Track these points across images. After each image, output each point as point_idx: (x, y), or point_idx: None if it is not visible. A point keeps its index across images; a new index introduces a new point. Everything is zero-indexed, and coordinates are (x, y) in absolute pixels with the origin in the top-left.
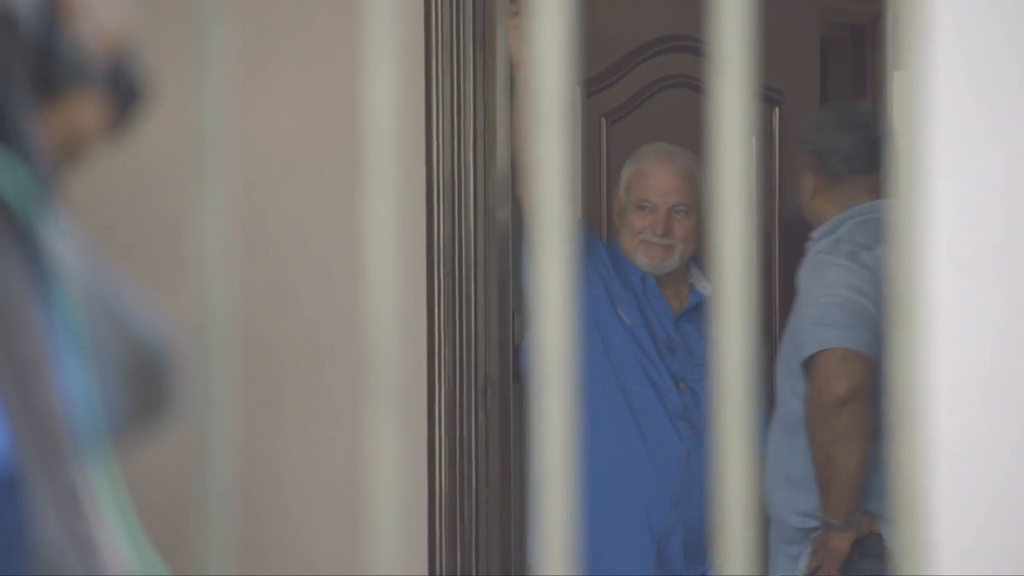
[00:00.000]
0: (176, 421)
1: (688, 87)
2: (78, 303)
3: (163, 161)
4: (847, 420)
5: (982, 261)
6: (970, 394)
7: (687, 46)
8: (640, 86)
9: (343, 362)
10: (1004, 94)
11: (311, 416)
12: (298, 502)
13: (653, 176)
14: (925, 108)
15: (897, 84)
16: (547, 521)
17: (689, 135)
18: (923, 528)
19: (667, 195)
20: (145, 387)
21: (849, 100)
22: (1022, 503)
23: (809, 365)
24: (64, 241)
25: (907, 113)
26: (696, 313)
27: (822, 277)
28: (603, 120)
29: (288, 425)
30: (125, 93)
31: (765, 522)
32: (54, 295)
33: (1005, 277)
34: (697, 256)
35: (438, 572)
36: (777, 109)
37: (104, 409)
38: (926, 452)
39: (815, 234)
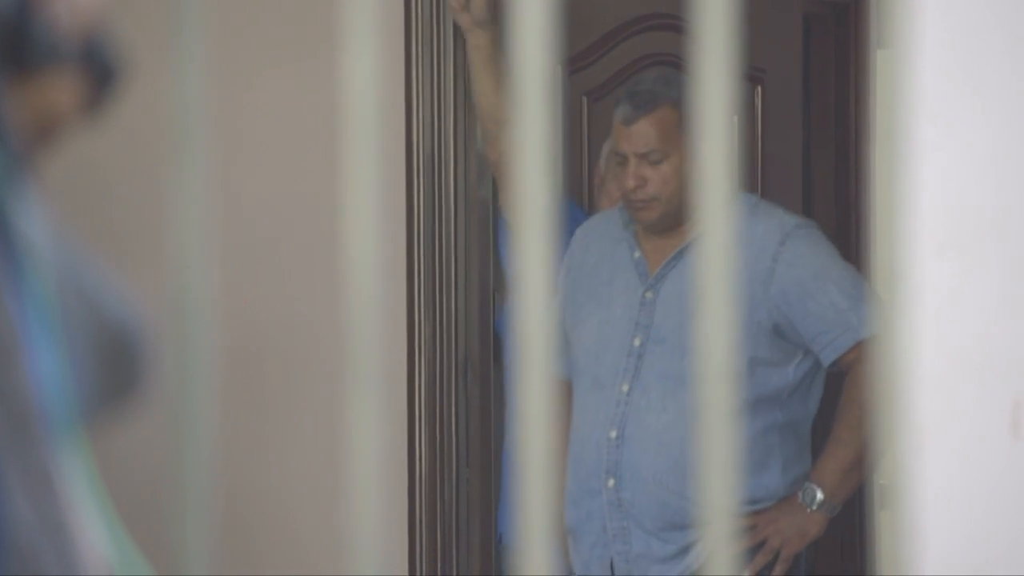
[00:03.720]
0: (148, 403)
1: (670, 65)
2: (51, 284)
3: (140, 141)
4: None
5: (966, 240)
6: (954, 373)
7: (669, 24)
8: (622, 64)
9: (322, 343)
10: (988, 72)
11: (290, 398)
12: (277, 484)
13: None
14: (909, 86)
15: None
16: (528, 501)
17: None
18: (907, 508)
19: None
20: (118, 369)
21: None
22: (1004, 483)
23: (861, 346)
24: (37, 222)
25: (891, 91)
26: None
27: (816, 252)
28: (584, 99)
29: (267, 407)
30: (100, 72)
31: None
32: (26, 276)
33: (989, 256)
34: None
35: (419, 553)
36: (759, 87)
37: (76, 391)
38: (909, 432)
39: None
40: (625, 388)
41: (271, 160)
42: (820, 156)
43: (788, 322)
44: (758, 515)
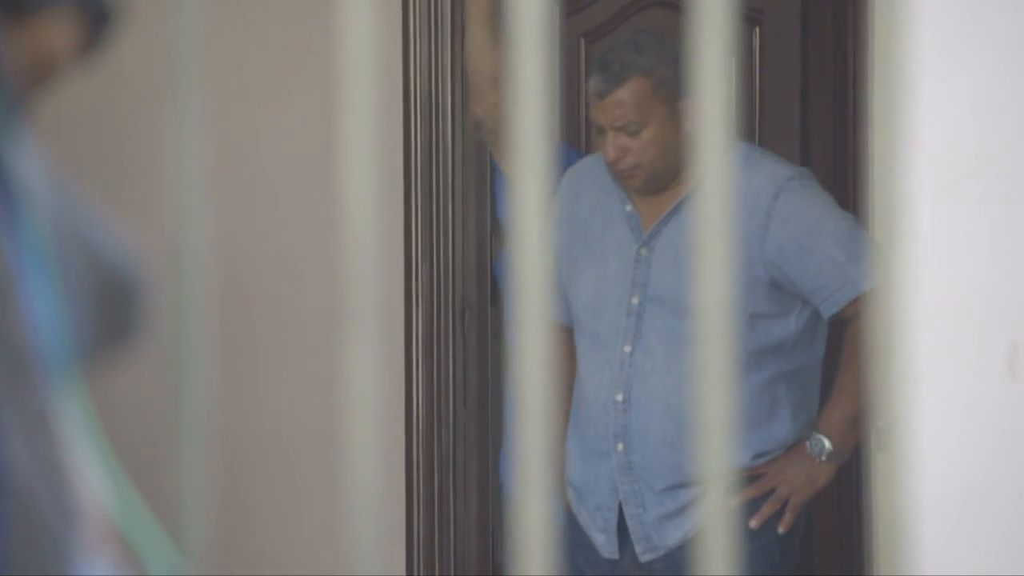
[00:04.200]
0: (145, 345)
1: (667, 6)
2: (47, 228)
3: (135, 83)
4: None
5: (965, 182)
6: (951, 316)
7: None
8: (619, 6)
9: (319, 287)
10: (987, 13)
11: (287, 341)
12: (274, 427)
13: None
14: (907, 28)
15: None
16: (526, 443)
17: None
18: (904, 451)
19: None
20: (114, 312)
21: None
22: (1001, 425)
23: (859, 301)
24: (34, 165)
25: (888, 32)
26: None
27: (812, 204)
28: (582, 40)
29: (264, 350)
30: (96, 14)
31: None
32: (22, 219)
33: (987, 198)
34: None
35: (416, 495)
36: (757, 29)
37: (73, 334)
38: (907, 374)
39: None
40: (628, 349)
41: (267, 103)
42: (818, 98)
43: (786, 277)
44: (767, 465)
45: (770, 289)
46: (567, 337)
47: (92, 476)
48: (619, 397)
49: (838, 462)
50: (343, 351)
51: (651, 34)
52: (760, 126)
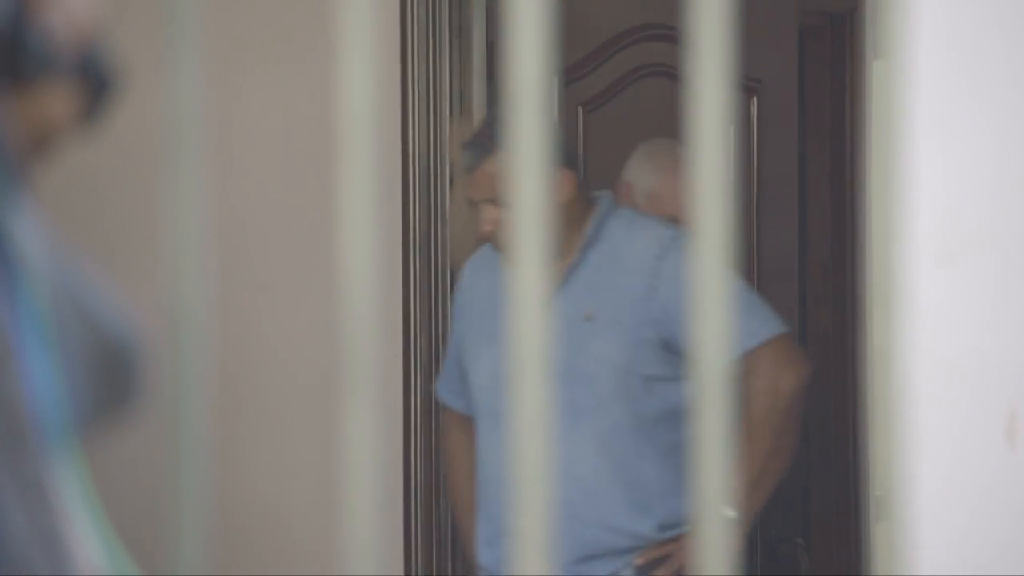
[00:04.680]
0: (143, 415)
1: (666, 76)
2: (45, 295)
3: (135, 152)
4: (795, 416)
5: (962, 251)
6: (949, 383)
7: (665, 35)
8: (618, 75)
9: (318, 354)
10: (985, 83)
11: (286, 409)
12: (273, 496)
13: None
14: (905, 97)
15: (876, 73)
16: (525, 521)
17: (667, 124)
18: (904, 522)
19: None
20: (112, 380)
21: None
22: (1000, 492)
23: (750, 358)
24: (32, 233)
25: (887, 102)
26: None
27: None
28: (580, 109)
29: (262, 418)
30: (96, 83)
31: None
32: (21, 287)
33: (985, 267)
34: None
35: (414, 568)
36: (755, 98)
37: (70, 403)
38: (905, 444)
39: (593, 230)
40: (562, 439)
41: (266, 169)
42: (816, 167)
43: (675, 337)
44: (670, 543)
45: (662, 351)
46: (469, 426)
47: (89, 545)
48: None
49: (743, 529)
50: (341, 418)
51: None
52: (758, 195)
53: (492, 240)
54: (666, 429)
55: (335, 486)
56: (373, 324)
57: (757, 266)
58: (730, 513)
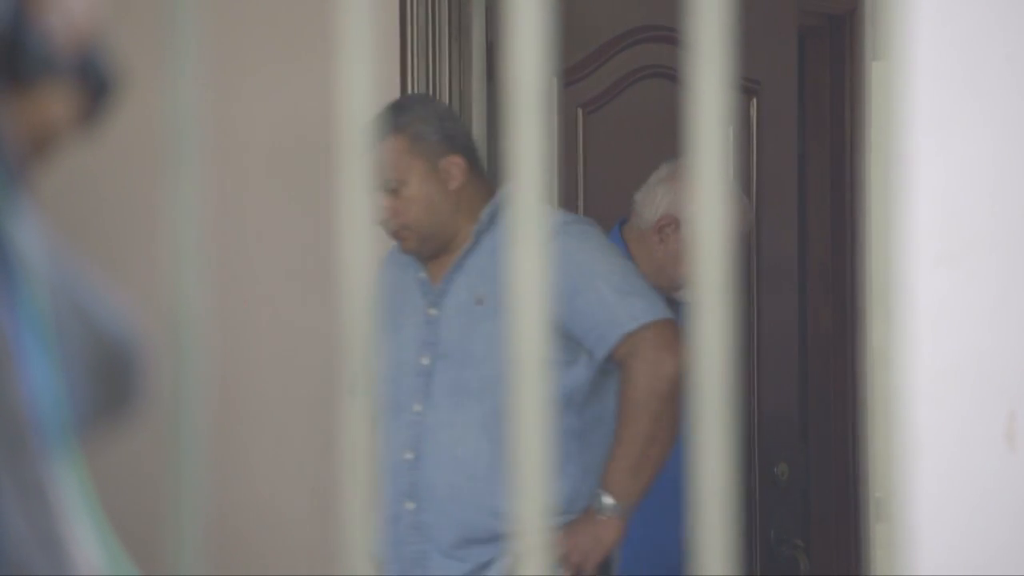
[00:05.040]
0: (143, 417)
1: (665, 77)
2: (45, 298)
3: (135, 154)
4: (675, 402)
5: (962, 252)
6: (949, 385)
7: (664, 36)
8: (617, 76)
9: (317, 356)
10: (984, 84)
11: (284, 411)
12: (272, 499)
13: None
14: (904, 98)
15: (876, 74)
16: (524, 516)
17: (666, 126)
18: (903, 523)
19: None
20: (111, 383)
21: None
22: (1000, 494)
23: (632, 339)
24: (32, 235)
25: (886, 103)
26: None
27: (584, 248)
28: (580, 111)
29: (261, 420)
30: (95, 85)
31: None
32: (20, 289)
33: (985, 268)
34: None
35: None
36: (755, 99)
37: (70, 405)
38: (905, 445)
39: (487, 217)
40: (418, 408)
41: (266, 170)
42: (815, 168)
43: (561, 320)
44: (558, 530)
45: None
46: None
47: (88, 547)
48: (409, 455)
49: (625, 516)
50: (340, 417)
51: (417, 96)
52: (757, 197)
53: (386, 228)
54: (554, 414)
55: (334, 487)
56: (372, 325)
57: (757, 267)
58: (608, 500)
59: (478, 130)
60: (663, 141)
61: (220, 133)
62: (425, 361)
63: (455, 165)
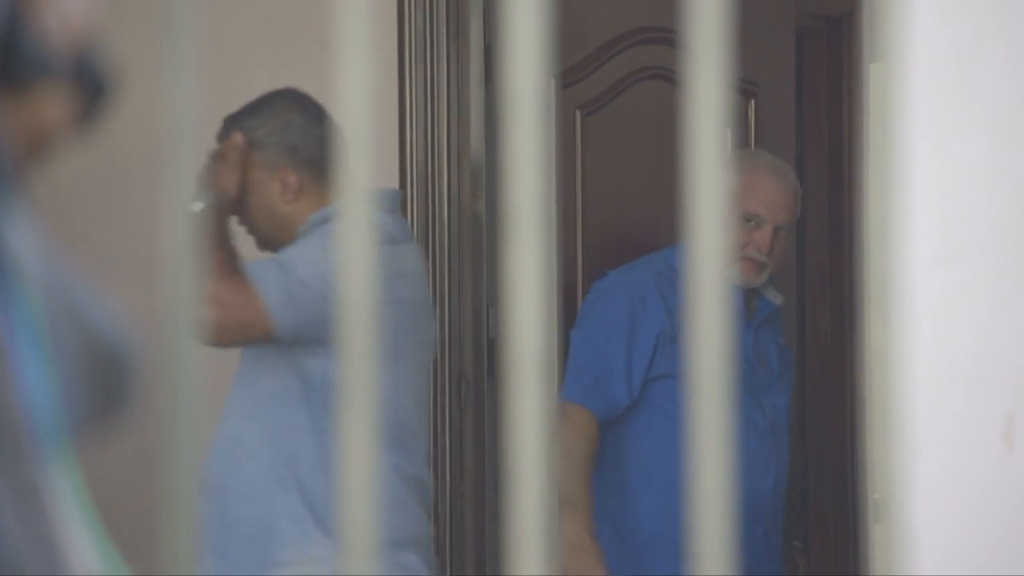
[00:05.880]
0: (137, 419)
1: (664, 79)
2: (39, 300)
3: (132, 156)
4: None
5: (960, 253)
6: (947, 386)
7: (662, 38)
8: (615, 78)
9: None
10: (981, 85)
11: None
12: None
13: (768, 191)
14: (902, 100)
15: (874, 75)
16: (520, 519)
17: (664, 127)
18: (901, 525)
19: (778, 213)
20: (106, 386)
21: (294, 96)
22: (998, 495)
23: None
24: (26, 238)
25: (884, 105)
26: (767, 323)
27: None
28: (578, 112)
29: None
30: (91, 87)
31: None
32: (15, 292)
33: (983, 269)
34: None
35: None
36: (753, 101)
37: (65, 407)
38: (903, 447)
39: (311, 225)
40: (224, 409)
41: None
42: (813, 170)
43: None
44: None
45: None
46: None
47: (83, 549)
48: (209, 453)
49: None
50: (340, 424)
51: (280, 97)
52: None
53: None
54: (319, 403)
55: (336, 488)
56: (372, 327)
57: None
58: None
59: (476, 132)
60: (661, 143)
61: (216, 133)
62: (239, 365)
63: (290, 179)
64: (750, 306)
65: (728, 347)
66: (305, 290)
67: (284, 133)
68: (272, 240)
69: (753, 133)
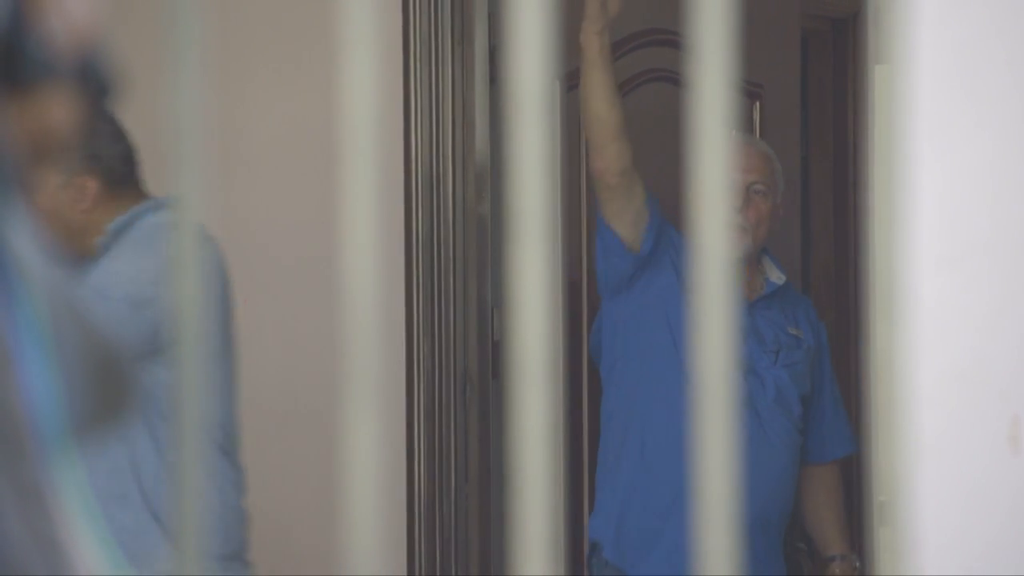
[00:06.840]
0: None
1: (669, 81)
2: (42, 302)
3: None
4: None
5: (964, 255)
6: (952, 389)
7: (668, 40)
8: (621, 80)
9: (321, 358)
10: (985, 88)
11: (289, 413)
12: (276, 500)
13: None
14: (906, 102)
15: (878, 78)
16: (526, 519)
17: (670, 129)
18: (906, 527)
19: (746, 172)
20: (109, 386)
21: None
22: (1003, 498)
23: None
24: (30, 239)
25: (888, 107)
26: (769, 301)
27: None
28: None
29: (265, 423)
30: (96, 88)
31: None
32: (18, 293)
33: (986, 272)
34: (767, 246)
35: (417, 569)
36: (758, 103)
37: (68, 408)
38: (907, 449)
39: (112, 232)
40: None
41: (268, 174)
42: (818, 171)
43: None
44: None
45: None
46: None
47: (87, 550)
48: None
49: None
50: (344, 422)
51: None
52: None
53: None
54: (156, 414)
55: (338, 489)
56: (375, 328)
57: None
58: None
59: (481, 134)
60: (667, 144)
61: (222, 137)
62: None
63: (87, 186)
64: (753, 284)
65: (732, 358)
66: (126, 308)
67: (89, 141)
68: (66, 249)
69: (758, 135)
